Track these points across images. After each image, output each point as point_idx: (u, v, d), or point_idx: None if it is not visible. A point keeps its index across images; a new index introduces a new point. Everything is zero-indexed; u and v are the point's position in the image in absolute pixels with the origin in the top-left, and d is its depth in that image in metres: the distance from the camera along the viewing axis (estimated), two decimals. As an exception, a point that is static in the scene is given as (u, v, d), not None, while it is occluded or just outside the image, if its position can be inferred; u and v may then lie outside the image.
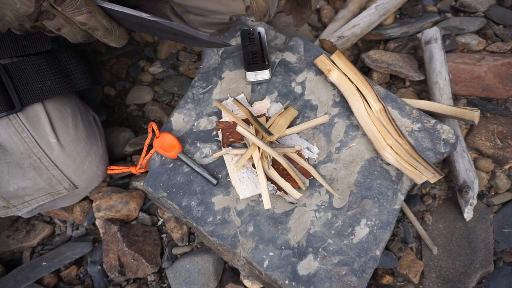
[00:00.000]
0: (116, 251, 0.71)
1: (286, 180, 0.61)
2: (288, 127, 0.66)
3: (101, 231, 0.74)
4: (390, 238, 0.72)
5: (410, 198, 0.76)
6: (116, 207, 0.75)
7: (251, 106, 0.69)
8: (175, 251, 0.74)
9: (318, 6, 0.68)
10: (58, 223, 0.80)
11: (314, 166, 0.64)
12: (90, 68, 0.73)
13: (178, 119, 0.70)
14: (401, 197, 0.61)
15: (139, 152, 0.85)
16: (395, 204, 0.60)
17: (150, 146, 0.88)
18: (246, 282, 0.69)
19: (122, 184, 0.82)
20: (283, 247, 0.58)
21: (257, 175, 0.61)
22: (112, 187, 0.79)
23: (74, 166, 0.67)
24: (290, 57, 0.73)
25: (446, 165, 0.78)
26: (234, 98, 0.68)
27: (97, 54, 1.01)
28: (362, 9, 0.97)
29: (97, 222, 0.75)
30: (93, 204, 0.76)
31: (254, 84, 0.72)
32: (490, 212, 0.74)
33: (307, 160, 0.64)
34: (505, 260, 0.70)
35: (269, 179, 0.62)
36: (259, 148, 0.61)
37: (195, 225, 0.62)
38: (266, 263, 0.57)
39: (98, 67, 0.76)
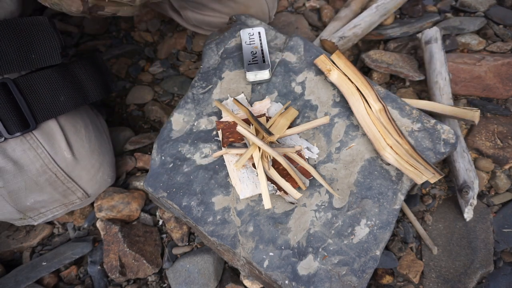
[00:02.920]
0: (117, 252, 0.71)
1: (286, 180, 0.61)
2: (289, 127, 0.66)
3: (101, 231, 0.74)
4: (390, 238, 0.72)
5: (410, 198, 0.76)
6: (118, 207, 0.75)
7: (251, 106, 0.69)
8: (175, 251, 0.74)
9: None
10: (57, 225, 0.79)
11: (314, 166, 0.64)
12: (102, 78, 0.72)
13: (178, 119, 0.70)
14: (401, 197, 0.61)
15: (139, 150, 0.86)
16: (395, 204, 0.60)
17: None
18: (246, 282, 0.69)
19: (123, 184, 0.82)
20: (283, 247, 0.58)
21: (257, 175, 0.61)
22: (113, 187, 0.79)
23: (88, 177, 0.67)
24: (290, 57, 0.73)
25: (446, 165, 0.78)
26: (234, 98, 0.68)
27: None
28: (363, 8, 0.97)
29: (98, 222, 0.75)
30: (95, 204, 0.76)
31: (254, 84, 0.72)
32: (490, 212, 0.74)
33: (307, 160, 0.64)
34: (505, 260, 0.70)
35: (269, 179, 0.62)
36: (259, 148, 0.61)
37: (195, 225, 0.62)
38: (266, 263, 0.57)
39: (111, 76, 0.75)
